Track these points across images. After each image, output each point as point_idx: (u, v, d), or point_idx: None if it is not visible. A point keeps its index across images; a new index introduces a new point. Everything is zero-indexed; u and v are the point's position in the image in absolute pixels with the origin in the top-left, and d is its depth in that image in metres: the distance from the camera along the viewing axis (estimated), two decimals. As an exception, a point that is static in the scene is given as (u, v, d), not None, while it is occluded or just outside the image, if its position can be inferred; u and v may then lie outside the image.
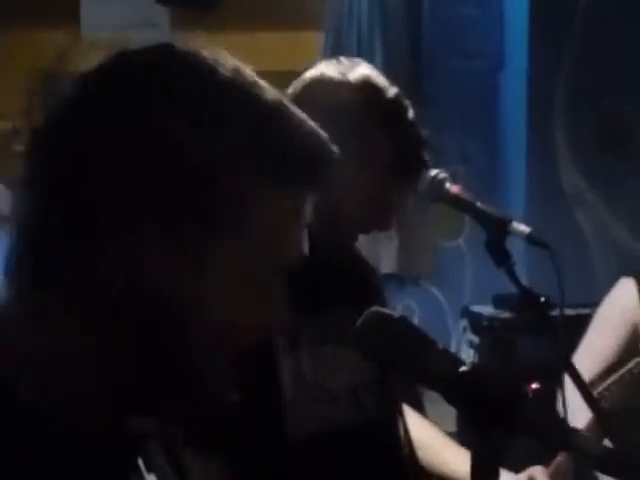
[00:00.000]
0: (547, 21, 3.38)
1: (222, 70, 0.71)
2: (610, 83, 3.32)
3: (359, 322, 0.90)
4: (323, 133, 0.74)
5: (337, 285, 1.57)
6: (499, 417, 0.80)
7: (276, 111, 0.71)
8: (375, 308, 0.93)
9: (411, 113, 1.55)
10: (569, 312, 1.87)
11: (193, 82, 0.70)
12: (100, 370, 0.70)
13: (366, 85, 1.52)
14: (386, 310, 0.97)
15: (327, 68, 1.56)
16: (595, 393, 1.84)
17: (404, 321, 0.90)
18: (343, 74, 1.53)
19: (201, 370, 0.73)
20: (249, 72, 0.72)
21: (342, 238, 1.63)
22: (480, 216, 1.63)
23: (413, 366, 0.88)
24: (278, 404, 1.52)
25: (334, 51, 3.09)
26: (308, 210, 0.93)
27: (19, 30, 3.49)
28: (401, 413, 1.68)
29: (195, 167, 0.68)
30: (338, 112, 1.44)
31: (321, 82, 1.53)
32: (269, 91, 0.72)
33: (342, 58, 1.61)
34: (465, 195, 1.66)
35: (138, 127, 0.68)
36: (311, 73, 1.55)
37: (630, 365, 1.94)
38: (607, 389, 1.91)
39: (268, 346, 1.49)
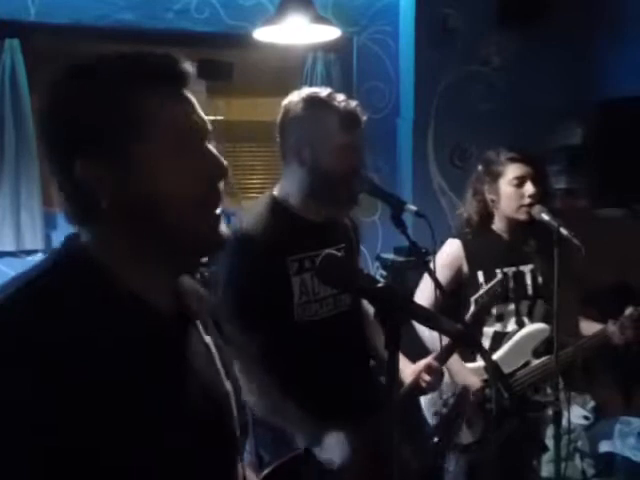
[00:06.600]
0: (424, 91, 3.97)
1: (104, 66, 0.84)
2: (457, 128, 3.94)
3: (319, 260, 1.00)
4: (174, 54, 0.83)
5: (333, 233, 1.84)
6: (398, 309, 0.96)
7: (131, 55, 0.85)
8: (328, 251, 1.02)
9: (350, 103, 1.75)
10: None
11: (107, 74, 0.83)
12: (123, 241, 0.83)
13: (320, 96, 1.77)
14: (334, 252, 1.06)
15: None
16: (473, 298, 2.10)
17: (344, 259, 1.07)
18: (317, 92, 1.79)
19: (176, 225, 0.82)
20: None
21: (334, 187, 1.70)
22: (389, 200, 1.73)
23: (351, 284, 1.02)
24: (291, 303, 1.70)
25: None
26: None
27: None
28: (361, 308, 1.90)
29: (115, 104, 0.80)
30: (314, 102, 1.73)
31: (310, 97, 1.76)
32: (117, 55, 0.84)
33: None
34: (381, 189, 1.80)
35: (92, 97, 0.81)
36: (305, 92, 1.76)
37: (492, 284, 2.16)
38: (479, 297, 2.11)
39: (284, 269, 1.66)
